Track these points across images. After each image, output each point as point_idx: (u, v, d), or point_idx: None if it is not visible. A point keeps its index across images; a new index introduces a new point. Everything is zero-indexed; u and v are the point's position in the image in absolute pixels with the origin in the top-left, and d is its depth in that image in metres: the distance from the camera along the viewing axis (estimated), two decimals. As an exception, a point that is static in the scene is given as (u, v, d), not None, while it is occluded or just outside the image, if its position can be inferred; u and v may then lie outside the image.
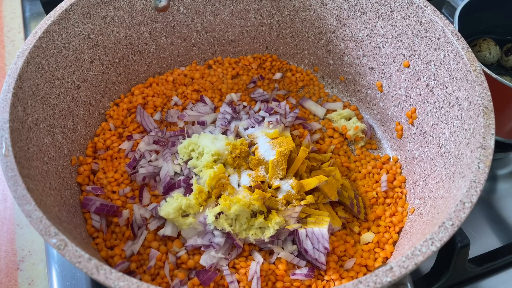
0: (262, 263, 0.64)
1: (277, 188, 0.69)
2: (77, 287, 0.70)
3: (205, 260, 0.63)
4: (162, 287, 0.62)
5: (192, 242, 0.65)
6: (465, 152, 0.59)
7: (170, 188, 0.70)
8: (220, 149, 0.70)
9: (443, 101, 0.68)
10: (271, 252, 0.67)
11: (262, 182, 0.69)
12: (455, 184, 0.57)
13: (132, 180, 0.73)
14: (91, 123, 0.77)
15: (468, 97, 0.62)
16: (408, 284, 0.62)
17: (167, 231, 0.66)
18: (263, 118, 0.80)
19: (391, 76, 0.79)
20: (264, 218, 0.65)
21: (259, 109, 0.83)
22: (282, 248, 0.66)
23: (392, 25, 0.75)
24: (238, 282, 0.62)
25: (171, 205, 0.65)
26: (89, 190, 0.69)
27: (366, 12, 0.78)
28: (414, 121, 0.76)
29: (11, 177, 0.51)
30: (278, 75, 0.90)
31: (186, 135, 0.77)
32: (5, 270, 0.75)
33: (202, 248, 0.65)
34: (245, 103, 0.84)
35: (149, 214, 0.68)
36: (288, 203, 0.68)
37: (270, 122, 0.77)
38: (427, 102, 0.72)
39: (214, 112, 0.82)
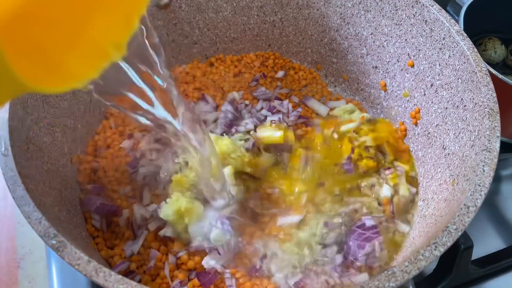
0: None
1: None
2: (77, 285, 0.70)
3: (207, 262, 0.63)
4: (162, 288, 0.62)
5: (197, 243, 0.64)
6: (469, 154, 0.58)
7: (171, 188, 0.70)
8: (223, 150, 0.69)
9: (448, 102, 0.67)
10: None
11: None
12: (459, 186, 0.57)
13: (133, 179, 0.72)
14: (91, 121, 0.76)
15: (473, 98, 0.61)
16: (411, 287, 0.62)
17: (168, 231, 0.65)
18: (266, 117, 0.79)
19: (395, 75, 0.78)
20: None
21: (261, 108, 0.82)
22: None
23: (396, 24, 0.75)
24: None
25: (170, 207, 0.64)
26: (89, 189, 0.69)
27: (370, 11, 0.77)
28: (418, 121, 0.75)
29: (10, 177, 0.51)
30: (280, 73, 0.90)
31: (187, 134, 0.77)
32: (6, 268, 0.75)
33: (206, 250, 0.64)
34: (247, 102, 0.83)
35: (149, 214, 0.67)
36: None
37: (273, 121, 0.77)
38: (432, 102, 0.71)
39: (216, 110, 0.82)
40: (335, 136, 0.77)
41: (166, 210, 0.64)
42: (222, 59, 0.91)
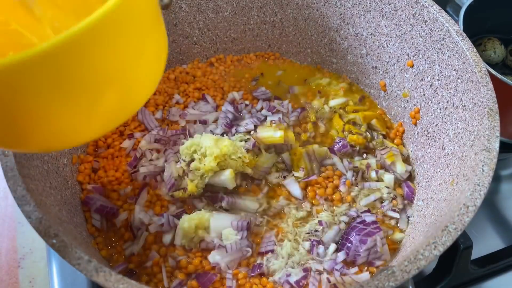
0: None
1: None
2: (78, 285, 0.70)
3: (213, 256, 0.63)
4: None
5: (209, 239, 0.64)
6: (469, 154, 0.58)
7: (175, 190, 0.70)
8: (224, 152, 0.69)
9: (447, 102, 0.67)
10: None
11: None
12: (459, 186, 0.57)
13: (133, 179, 0.72)
14: (92, 121, 0.76)
15: (472, 98, 0.61)
16: (410, 287, 0.62)
17: (177, 240, 0.65)
18: (266, 117, 0.79)
19: (394, 75, 0.79)
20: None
21: (261, 108, 0.82)
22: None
23: (396, 24, 0.75)
24: None
25: (193, 221, 0.64)
26: (89, 189, 0.69)
27: (370, 11, 0.77)
28: (417, 121, 0.75)
29: (11, 177, 0.51)
30: (280, 73, 0.90)
31: (187, 134, 0.77)
32: (6, 268, 0.75)
33: (215, 246, 0.64)
34: (247, 102, 0.83)
35: (148, 218, 0.67)
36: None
37: (273, 122, 0.77)
38: (431, 102, 0.71)
39: (216, 110, 0.82)
40: (327, 109, 0.81)
41: (189, 223, 0.64)
42: (222, 59, 0.91)
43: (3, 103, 0.32)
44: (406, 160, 0.77)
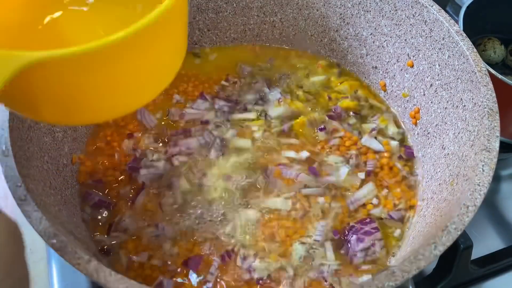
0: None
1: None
2: (78, 285, 0.70)
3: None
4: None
5: None
6: (469, 154, 0.59)
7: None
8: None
9: (447, 102, 0.68)
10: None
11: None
12: (459, 186, 0.57)
13: (133, 179, 0.72)
14: (92, 121, 0.76)
15: (472, 98, 0.61)
16: (410, 287, 0.62)
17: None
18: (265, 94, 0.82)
19: (394, 75, 0.79)
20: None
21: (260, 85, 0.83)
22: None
23: (396, 24, 0.75)
24: None
25: None
26: (89, 184, 0.69)
27: (370, 11, 0.77)
28: (417, 121, 0.75)
29: (11, 177, 0.51)
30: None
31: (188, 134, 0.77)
32: (6, 268, 0.75)
33: None
34: (235, 79, 0.84)
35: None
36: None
37: (280, 99, 0.79)
38: (431, 102, 0.72)
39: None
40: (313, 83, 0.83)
41: None
42: (222, 58, 0.91)
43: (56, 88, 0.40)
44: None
